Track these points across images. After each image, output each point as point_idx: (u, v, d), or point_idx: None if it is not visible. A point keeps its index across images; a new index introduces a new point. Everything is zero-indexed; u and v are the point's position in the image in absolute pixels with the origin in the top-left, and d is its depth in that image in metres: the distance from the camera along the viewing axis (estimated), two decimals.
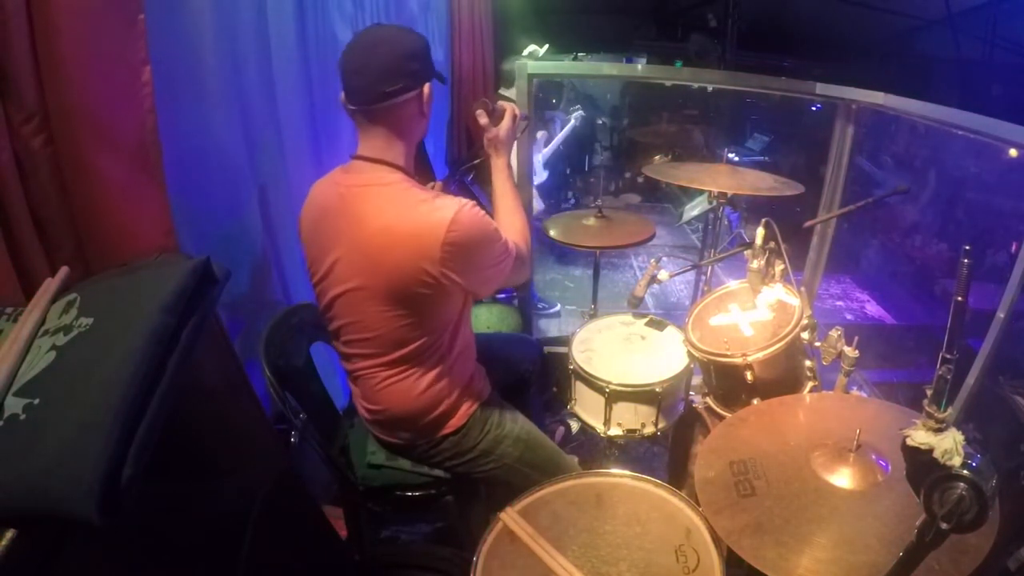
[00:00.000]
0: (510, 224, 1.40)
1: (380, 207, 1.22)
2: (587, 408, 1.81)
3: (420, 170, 2.92)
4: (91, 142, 1.06)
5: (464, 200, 1.22)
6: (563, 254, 4.68)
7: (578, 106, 4.95)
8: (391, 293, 1.24)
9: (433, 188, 1.45)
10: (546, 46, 4.91)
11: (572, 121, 4.32)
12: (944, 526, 0.68)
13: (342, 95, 1.24)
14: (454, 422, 1.41)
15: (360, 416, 1.49)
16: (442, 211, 1.18)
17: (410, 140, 1.28)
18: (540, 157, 4.20)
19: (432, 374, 1.36)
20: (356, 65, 1.19)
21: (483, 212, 1.24)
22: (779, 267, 1.64)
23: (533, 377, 1.90)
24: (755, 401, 1.45)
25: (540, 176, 4.22)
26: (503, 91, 3.55)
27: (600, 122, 6.24)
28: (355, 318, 1.32)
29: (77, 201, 1.08)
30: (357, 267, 1.25)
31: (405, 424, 1.42)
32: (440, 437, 1.41)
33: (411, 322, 1.28)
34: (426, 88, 1.24)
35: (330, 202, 1.29)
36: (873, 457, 1.01)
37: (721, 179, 1.92)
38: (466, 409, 1.42)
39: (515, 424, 1.49)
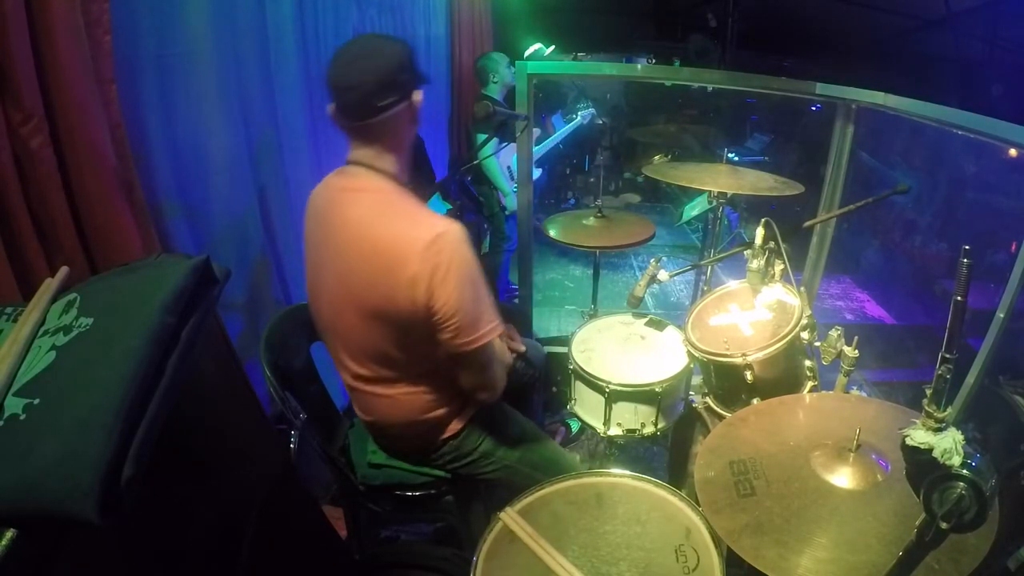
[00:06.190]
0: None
1: (364, 215, 1.20)
2: (587, 408, 1.81)
3: (419, 169, 2.93)
4: (70, 149, 1.07)
5: (457, 224, 1.16)
6: (563, 254, 4.68)
7: (588, 103, 4.82)
8: (368, 305, 1.21)
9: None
10: (552, 47, 4.88)
11: (578, 118, 4.21)
12: (944, 525, 0.68)
13: (331, 107, 1.20)
14: (453, 426, 1.40)
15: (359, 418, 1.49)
16: (427, 227, 1.14)
17: (403, 148, 1.26)
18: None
19: (424, 388, 1.33)
20: (347, 81, 1.16)
21: (472, 252, 1.19)
22: (779, 267, 1.64)
23: (538, 383, 1.89)
24: (755, 401, 1.45)
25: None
26: (483, 92, 3.51)
27: (600, 122, 6.25)
28: (338, 328, 1.30)
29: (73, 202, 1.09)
30: (339, 274, 1.23)
31: (401, 434, 1.41)
32: (440, 441, 1.41)
33: (392, 339, 1.24)
34: (416, 96, 1.22)
35: (324, 206, 1.28)
36: (873, 457, 1.01)
37: (721, 179, 1.91)
38: (466, 413, 1.41)
39: (515, 425, 1.49)
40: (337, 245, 1.22)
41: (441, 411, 1.37)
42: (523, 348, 1.57)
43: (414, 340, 1.23)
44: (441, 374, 1.31)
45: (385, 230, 1.17)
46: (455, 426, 1.40)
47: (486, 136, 2.28)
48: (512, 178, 3.47)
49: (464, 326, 1.18)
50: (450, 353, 1.23)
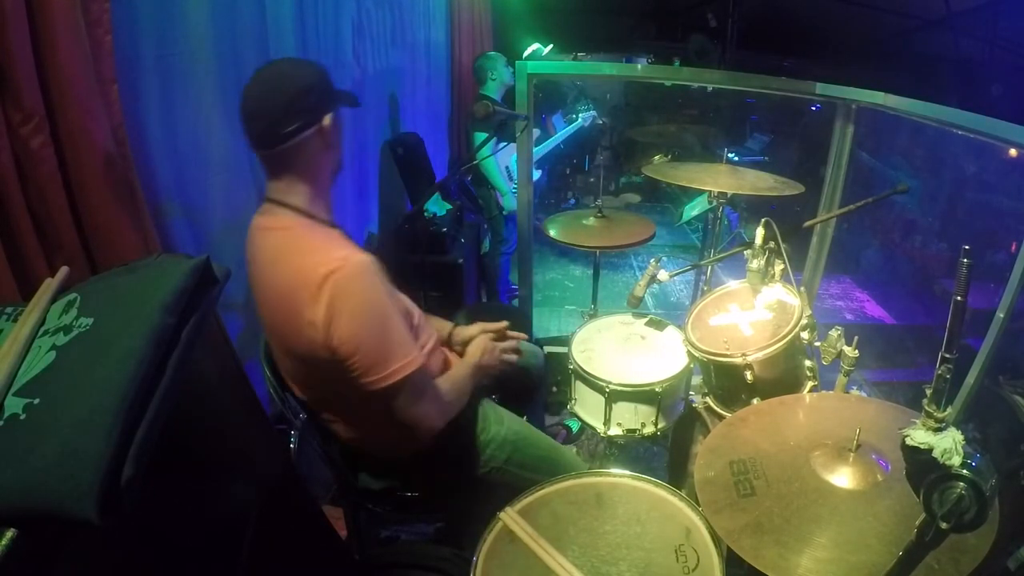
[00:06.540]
0: (455, 377, 1.35)
1: (269, 256, 1.18)
2: (587, 408, 1.81)
3: (419, 170, 2.92)
4: (71, 149, 1.07)
5: (356, 256, 1.11)
6: (563, 254, 4.69)
7: (588, 104, 4.80)
8: (283, 345, 1.20)
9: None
10: (550, 46, 4.87)
11: (579, 120, 4.21)
12: (944, 525, 0.67)
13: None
14: (419, 443, 1.33)
15: None
16: (319, 265, 1.08)
17: (317, 178, 1.20)
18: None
19: (365, 416, 1.28)
20: (251, 109, 1.12)
21: (380, 280, 1.14)
22: (779, 267, 1.64)
23: (537, 387, 1.88)
24: (755, 401, 1.45)
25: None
26: (481, 91, 3.50)
27: (601, 122, 6.25)
28: (276, 360, 1.30)
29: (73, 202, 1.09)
30: (262, 313, 1.24)
31: (367, 451, 1.38)
32: (414, 456, 1.36)
33: (313, 375, 1.22)
34: (326, 120, 1.16)
35: (248, 245, 1.25)
36: (873, 457, 1.01)
37: (721, 179, 1.91)
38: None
39: (501, 426, 1.46)
40: (256, 285, 1.23)
41: (391, 435, 1.30)
42: (514, 359, 1.55)
43: (331, 377, 1.18)
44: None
45: (283, 271, 1.14)
46: (421, 442, 1.34)
47: (486, 136, 2.28)
48: (511, 178, 3.47)
49: (368, 364, 1.13)
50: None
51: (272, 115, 1.11)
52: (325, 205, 1.23)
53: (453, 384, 1.35)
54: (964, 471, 0.67)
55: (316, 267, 1.09)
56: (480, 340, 1.51)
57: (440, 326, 1.59)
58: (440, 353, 1.43)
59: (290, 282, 1.12)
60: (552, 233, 2.19)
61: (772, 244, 1.61)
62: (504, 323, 1.61)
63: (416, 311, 1.38)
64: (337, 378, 1.15)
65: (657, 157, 4.91)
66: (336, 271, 1.08)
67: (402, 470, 1.40)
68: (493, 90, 3.44)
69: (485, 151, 2.78)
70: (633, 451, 2.28)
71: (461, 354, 1.51)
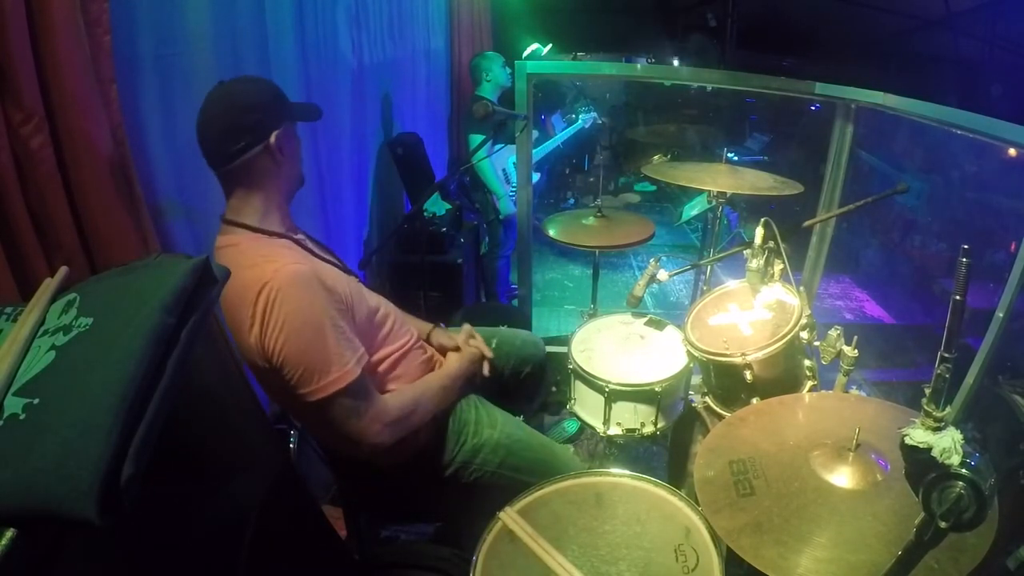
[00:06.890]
0: (413, 392, 1.32)
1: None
2: (586, 408, 1.81)
3: (417, 170, 2.92)
4: (70, 149, 1.07)
5: (288, 268, 1.12)
6: (563, 254, 4.69)
7: (588, 104, 4.79)
8: (244, 356, 1.21)
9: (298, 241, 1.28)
10: (549, 45, 4.87)
11: (579, 122, 4.18)
12: (943, 525, 0.68)
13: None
14: (415, 446, 1.33)
15: None
16: (255, 279, 1.10)
17: (269, 195, 1.22)
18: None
19: (319, 426, 1.26)
20: (201, 129, 1.16)
21: (314, 291, 1.14)
22: (778, 266, 1.64)
23: (535, 382, 1.87)
24: (754, 400, 1.45)
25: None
26: (477, 92, 3.48)
27: (601, 122, 6.25)
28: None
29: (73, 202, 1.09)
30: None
31: (352, 458, 1.35)
32: (409, 461, 1.34)
33: (268, 387, 1.23)
34: (272, 138, 1.17)
35: None
36: (872, 456, 1.01)
37: (720, 179, 1.91)
38: (426, 430, 1.35)
39: (493, 430, 1.44)
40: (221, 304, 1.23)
41: (348, 447, 1.27)
42: (486, 371, 1.56)
43: (280, 389, 1.18)
44: None
45: (230, 286, 1.13)
46: (418, 445, 1.33)
47: (483, 138, 2.28)
48: (507, 181, 3.45)
49: (299, 376, 1.13)
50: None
51: (218, 134, 1.15)
52: (280, 219, 1.25)
53: (419, 398, 1.31)
54: (963, 470, 0.67)
55: (253, 281, 1.11)
56: (454, 353, 1.50)
57: (420, 327, 1.57)
58: (420, 353, 1.43)
59: (234, 297, 1.14)
60: (552, 233, 2.19)
61: (771, 244, 1.62)
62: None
63: (392, 313, 1.38)
64: (283, 390, 1.16)
65: (657, 157, 4.91)
66: (267, 283, 1.10)
67: (388, 476, 1.38)
68: (488, 91, 3.41)
69: (481, 153, 2.78)
70: (633, 451, 2.28)
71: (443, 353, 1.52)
